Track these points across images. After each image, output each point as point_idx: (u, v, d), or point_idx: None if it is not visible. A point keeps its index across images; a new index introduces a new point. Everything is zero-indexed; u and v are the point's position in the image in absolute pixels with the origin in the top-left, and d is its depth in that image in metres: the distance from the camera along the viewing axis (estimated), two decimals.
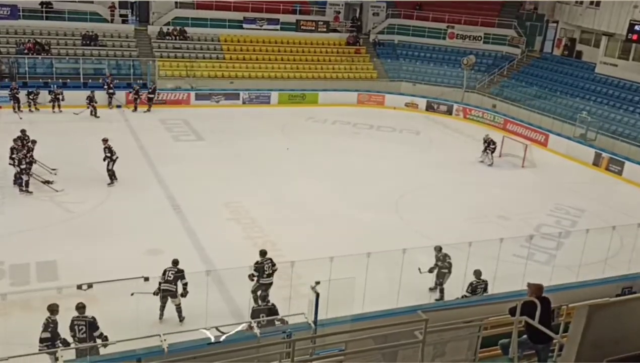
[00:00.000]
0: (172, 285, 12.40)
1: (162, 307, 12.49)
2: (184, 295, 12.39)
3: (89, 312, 10.54)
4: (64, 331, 10.44)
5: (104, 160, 19.61)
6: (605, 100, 30.34)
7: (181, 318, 12.64)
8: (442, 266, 14.05)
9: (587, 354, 5.13)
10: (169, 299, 12.47)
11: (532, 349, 7.77)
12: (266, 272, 13.10)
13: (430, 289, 14.39)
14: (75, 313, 10.49)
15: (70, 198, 18.45)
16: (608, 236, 15.79)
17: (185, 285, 12.38)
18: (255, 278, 13.04)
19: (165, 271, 12.50)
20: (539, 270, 15.00)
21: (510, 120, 31.44)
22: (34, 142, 20.08)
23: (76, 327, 10.40)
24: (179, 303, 12.54)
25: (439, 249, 14.19)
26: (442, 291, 14.21)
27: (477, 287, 13.05)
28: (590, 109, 29.58)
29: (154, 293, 12.22)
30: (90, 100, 27.53)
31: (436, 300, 14.10)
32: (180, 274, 12.42)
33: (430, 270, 14.07)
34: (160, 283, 12.31)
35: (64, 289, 11.75)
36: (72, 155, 22.18)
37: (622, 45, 31.05)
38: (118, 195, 19.03)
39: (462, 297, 13.11)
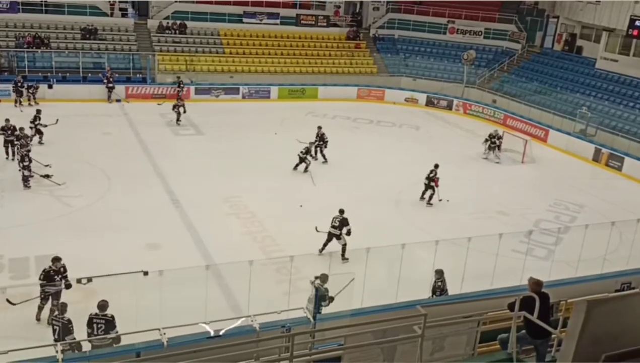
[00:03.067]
0: (337, 229, 15.40)
1: (325, 245, 15.55)
2: (348, 234, 15.31)
3: (88, 306, 10.55)
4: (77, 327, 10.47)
5: (313, 144, 22.86)
6: (605, 96, 30.32)
7: (344, 259, 15.26)
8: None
9: (586, 349, 5.14)
10: (334, 240, 15.43)
11: (530, 344, 7.79)
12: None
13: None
14: (95, 310, 10.38)
15: (69, 193, 18.44)
16: (607, 232, 15.79)
17: (348, 231, 15.29)
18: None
19: (333, 219, 15.47)
20: (538, 265, 15.00)
21: (510, 116, 31.44)
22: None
23: (95, 325, 10.28)
24: (345, 244, 15.40)
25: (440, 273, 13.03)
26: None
27: (444, 287, 12.66)
28: (590, 105, 29.58)
29: (327, 232, 15.45)
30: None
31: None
32: (344, 221, 15.40)
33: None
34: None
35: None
36: (71, 149, 22.18)
37: (623, 41, 31.01)
38: (117, 190, 19.03)
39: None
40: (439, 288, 12.66)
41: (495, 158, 25.31)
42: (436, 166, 19.77)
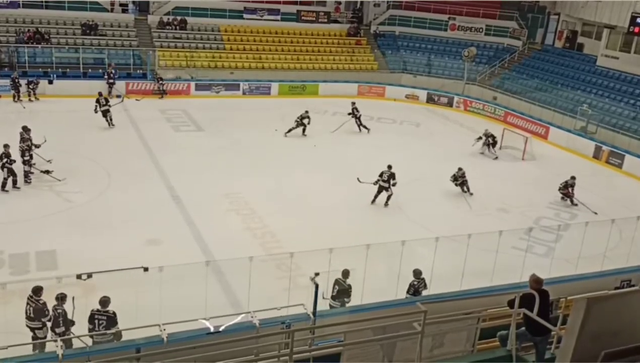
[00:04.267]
0: (386, 182, 18.61)
1: (376, 196, 18.78)
2: (394, 185, 18.72)
3: (88, 302, 10.56)
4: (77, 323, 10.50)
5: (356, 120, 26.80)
6: (606, 93, 30.27)
7: (386, 205, 18.72)
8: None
9: (585, 346, 5.14)
10: (383, 191, 18.61)
11: (530, 341, 7.80)
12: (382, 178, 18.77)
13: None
14: (97, 307, 10.39)
15: (69, 188, 18.45)
16: (607, 229, 15.79)
17: (394, 183, 18.70)
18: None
19: (382, 173, 18.64)
20: (538, 262, 14.99)
21: (511, 113, 31.38)
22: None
23: (96, 321, 10.32)
24: (391, 194, 18.70)
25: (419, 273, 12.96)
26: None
27: (419, 287, 12.56)
28: (591, 102, 29.52)
29: (373, 183, 18.77)
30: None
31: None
32: (392, 175, 18.63)
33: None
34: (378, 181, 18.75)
35: (64, 279, 11.76)
36: (71, 145, 22.16)
37: (624, 38, 30.92)
38: (117, 186, 19.03)
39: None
40: (413, 286, 12.50)
41: (491, 154, 25.34)
42: (573, 178, 21.00)
